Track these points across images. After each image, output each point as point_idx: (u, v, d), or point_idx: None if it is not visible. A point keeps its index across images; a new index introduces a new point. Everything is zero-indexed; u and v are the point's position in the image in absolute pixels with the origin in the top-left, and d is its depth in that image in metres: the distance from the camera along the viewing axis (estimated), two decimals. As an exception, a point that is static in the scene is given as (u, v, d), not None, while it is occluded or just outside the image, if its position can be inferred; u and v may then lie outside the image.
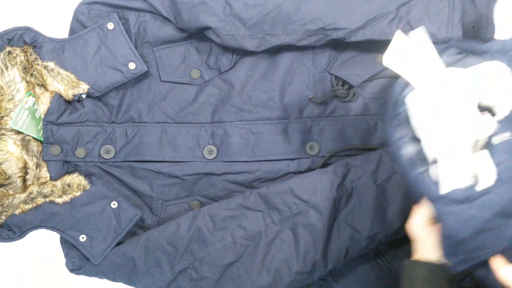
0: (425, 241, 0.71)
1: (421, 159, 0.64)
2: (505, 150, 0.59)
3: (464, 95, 0.63)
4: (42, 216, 0.88)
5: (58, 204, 0.88)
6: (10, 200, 0.87)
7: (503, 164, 0.58)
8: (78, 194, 0.89)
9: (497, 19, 0.80)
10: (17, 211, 0.87)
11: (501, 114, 0.62)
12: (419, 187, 0.63)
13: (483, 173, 0.59)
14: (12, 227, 0.88)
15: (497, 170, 0.58)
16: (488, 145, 0.60)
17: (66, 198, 0.88)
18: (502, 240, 0.61)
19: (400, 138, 0.67)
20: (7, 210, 0.87)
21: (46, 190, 0.88)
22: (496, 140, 0.60)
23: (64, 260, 0.90)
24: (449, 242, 0.63)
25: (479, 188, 0.58)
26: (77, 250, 0.89)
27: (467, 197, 0.59)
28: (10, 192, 0.88)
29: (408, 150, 0.66)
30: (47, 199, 0.88)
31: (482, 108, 0.65)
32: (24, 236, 0.89)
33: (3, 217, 0.87)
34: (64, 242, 0.90)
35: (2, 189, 0.88)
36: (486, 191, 0.58)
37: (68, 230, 0.89)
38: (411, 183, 0.65)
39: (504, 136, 0.59)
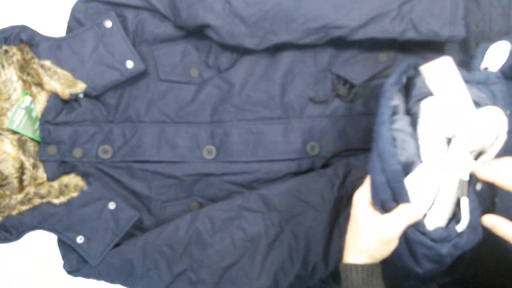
0: (364, 229, 0.66)
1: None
2: (476, 199, 0.64)
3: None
4: (39, 217, 0.88)
5: (55, 205, 0.88)
6: (7, 201, 0.87)
7: (475, 212, 0.63)
8: (75, 195, 0.88)
9: (488, 52, 0.78)
10: (14, 212, 0.87)
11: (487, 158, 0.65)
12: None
13: (463, 217, 0.63)
14: (9, 228, 0.88)
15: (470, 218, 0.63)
16: (470, 190, 0.64)
17: (63, 199, 0.88)
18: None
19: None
20: (3, 211, 0.87)
21: (43, 190, 0.88)
22: (478, 187, 0.65)
23: (62, 262, 0.90)
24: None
25: (458, 229, 0.62)
26: (74, 251, 0.89)
27: (446, 237, 0.62)
28: (7, 192, 0.88)
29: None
30: (44, 200, 0.88)
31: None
32: (21, 237, 0.89)
33: (0, 218, 0.87)
34: (61, 243, 0.90)
35: (-1, 189, 0.88)
36: (460, 235, 0.63)
37: (66, 231, 0.88)
38: (395, 189, 0.64)
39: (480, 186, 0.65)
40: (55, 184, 0.88)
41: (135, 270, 0.87)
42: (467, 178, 0.64)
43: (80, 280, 0.92)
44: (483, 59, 0.73)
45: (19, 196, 0.87)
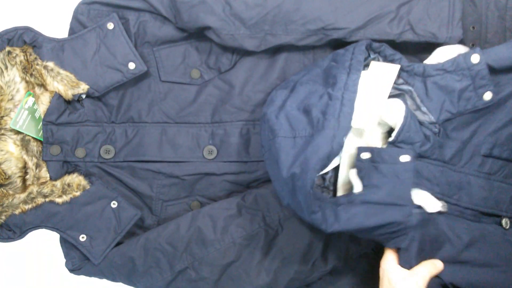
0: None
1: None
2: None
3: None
4: (42, 216, 0.88)
5: (58, 204, 0.88)
6: (10, 200, 0.87)
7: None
8: (78, 194, 0.89)
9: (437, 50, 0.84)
10: (17, 211, 0.87)
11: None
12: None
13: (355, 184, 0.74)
14: (12, 227, 0.88)
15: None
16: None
17: (66, 198, 0.88)
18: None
19: None
20: (7, 210, 0.87)
21: (46, 190, 0.88)
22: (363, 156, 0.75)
23: (64, 260, 0.90)
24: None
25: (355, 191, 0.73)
26: (77, 250, 0.89)
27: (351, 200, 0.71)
28: (10, 192, 0.88)
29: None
30: (47, 199, 0.88)
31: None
32: (24, 236, 0.89)
33: (3, 217, 0.87)
34: (64, 242, 0.90)
35: (2, 189, 0.88)
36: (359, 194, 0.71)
37: (68, 230, 0.89)
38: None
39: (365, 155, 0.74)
40: (58, 183, 0.89)
41: (137, 268, 0.88)
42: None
43: (82, 278, 0.92)
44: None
45: (22, 196, 0.88)
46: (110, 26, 0.89)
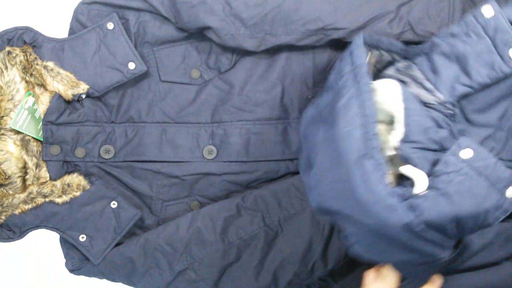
0: None
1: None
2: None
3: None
4: (42, 216, 0.88)
5: (57, 204, 0.88)
6: (10, 200, 0.87)
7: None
8: (77, 194, 0.89)
9: None
10: (17, 211, 0.87)
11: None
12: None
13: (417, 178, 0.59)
14: (11, 227, 0.88)
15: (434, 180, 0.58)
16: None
17: (65, 198, 0.88)
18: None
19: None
20: (6, 210, 0.87)
21: (46, 190, 0.88)
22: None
23: (64, 261, 0.90)
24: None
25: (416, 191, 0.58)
26: (76, 250, 0.89)
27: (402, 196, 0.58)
28: (10, 192, 0.88)
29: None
30: (46, 199, 0.88)
31: None
32: (24, 236, 0.89)
33: (3, 217, 0.87)
34: (63, 242, 0.90)
35: (2, 189, 0.88)
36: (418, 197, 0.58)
37: (68, 230, 0.89)
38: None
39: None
40: (58, 183, 0.89)
41: (136, 268, 0.88)
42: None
43: (81, 278, 0.92)
44: None
45: (22, 196, 0.88)
46: (110, 26, 0.89)
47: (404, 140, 0.62)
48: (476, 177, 0.56)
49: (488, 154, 0.58)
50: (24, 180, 0.90)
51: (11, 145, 0.90)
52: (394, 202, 0.55)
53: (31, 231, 0.89)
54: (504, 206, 0.57)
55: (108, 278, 0.90)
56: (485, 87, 0.63)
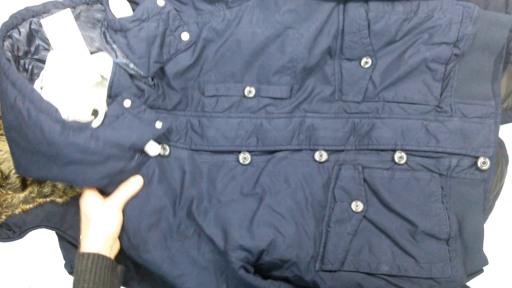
0: (93, 224, 0.78)
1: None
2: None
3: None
4: (42, 216, 0.88)
5: (58, 203, 0.88)
6: (10, 200, 0.87)
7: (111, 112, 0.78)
8: (79, 194, 0.88)
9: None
10: (17, 211, 0.87)
11: None
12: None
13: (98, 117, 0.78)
14: (12, 226, 0.88)
15: (105, 120, 0.77)
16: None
17: (67, 198, 0.88)
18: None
19: None
20: (6, 210, 0.87)
21: (47, 189, 0.88)
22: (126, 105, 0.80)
23: (63, 262, 0.91)
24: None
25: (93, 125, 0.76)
26: (76, 252, 0.89)
27: (81, 127, 0.75)
28: (9, 192, 0.88)
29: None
30: (47, 199, 0.88)
31: None
32: (24, 235, 0.89)
33: (3, 217, 0.87)
34: (62, 244, 0.91)
35: (1, 189, 0.87)
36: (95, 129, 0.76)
37: (69, 229, 0.89)
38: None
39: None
40: (59, 183, 0.89)
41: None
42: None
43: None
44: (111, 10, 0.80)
45: (22, 195, 0.87)
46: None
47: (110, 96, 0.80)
48: (133, 118, 0.78)
49: (140, 103, 0.79)
50: (24, 180, 0.89)
51: (10, 144, 0.89)
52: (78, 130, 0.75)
53: (31, 230, 0.88)
54: (156, 133, 0.79)
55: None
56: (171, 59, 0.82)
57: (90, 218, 0.79)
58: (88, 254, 0.76)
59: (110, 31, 0.79)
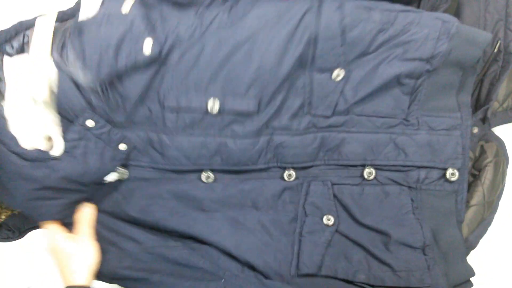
0: (68, 261, 0.77)
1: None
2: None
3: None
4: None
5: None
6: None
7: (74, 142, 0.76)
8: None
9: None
10: (17, 211, 0.87)
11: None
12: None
13: (56, 144, 0.75)
14: (11, 226, 0.88)
15: (66, 145, 0.75)
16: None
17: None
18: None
19: None
20: (6, 211, 0.87)
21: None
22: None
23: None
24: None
25: (52, 153, 0.74)
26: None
27: (39, 157, 0.73)
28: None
29: None
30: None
31: None
32: (24, 236, 0.89)
33: (3, 217, 0.87)
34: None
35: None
36: (55, 158, 0.74)
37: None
38: None
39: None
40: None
41: None
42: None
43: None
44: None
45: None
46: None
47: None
48: (95, 140, 0.75)
49: (105, 123, 0.76)
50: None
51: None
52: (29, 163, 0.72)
53: (31, 230, 0.89)
54: (118, 156, 0.77)
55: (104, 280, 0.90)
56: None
57: (70, 254, 0.77)
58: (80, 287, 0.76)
59: (72, 36, 0.74)
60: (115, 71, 0.74)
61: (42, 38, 0.76)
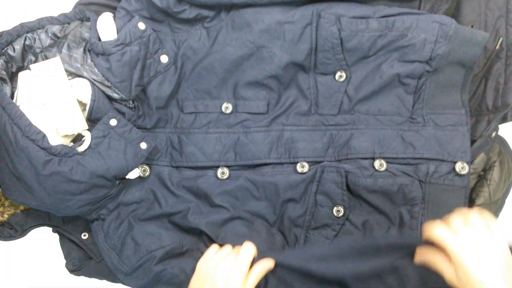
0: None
1: None
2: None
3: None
4: (44, 214, 0.88)
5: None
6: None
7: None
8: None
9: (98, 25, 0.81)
10: (19, 209, 0.87)
11: None
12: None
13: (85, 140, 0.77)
14: (14, 225, 0.88)
15: (91, 142, 0.77)
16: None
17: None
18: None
19: None
20: (9, 209, 0.87)
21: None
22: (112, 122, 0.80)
23: (64, 262, 0.91)
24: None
25: (79, 149, 0.76)
26: (77, 251, 0.90)
27: (67, 152, 0.75)
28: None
29: None
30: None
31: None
32: (26, 234, 0.89)
33: (6, 216, 0.87)
34: (63, 244, 0.91)
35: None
36: (81, 153, 0.77)
37: (70, 228, 0.89)
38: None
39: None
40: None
41: None
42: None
43: (82, 278, 0.93)
44: (98, 31, 0.80)
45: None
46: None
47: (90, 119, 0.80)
48: (119, 138, 0.79)
49: (127, 122, 0.80)
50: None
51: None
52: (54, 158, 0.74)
53: (33, 229, 0.89)
54: (140, 154, 0.80)
55: (107, 279, 0.91)
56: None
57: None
58: None
59: (92, 54, 0.79)
60: (142, 86, 0.82)
61: (57, 77, 0.79)
